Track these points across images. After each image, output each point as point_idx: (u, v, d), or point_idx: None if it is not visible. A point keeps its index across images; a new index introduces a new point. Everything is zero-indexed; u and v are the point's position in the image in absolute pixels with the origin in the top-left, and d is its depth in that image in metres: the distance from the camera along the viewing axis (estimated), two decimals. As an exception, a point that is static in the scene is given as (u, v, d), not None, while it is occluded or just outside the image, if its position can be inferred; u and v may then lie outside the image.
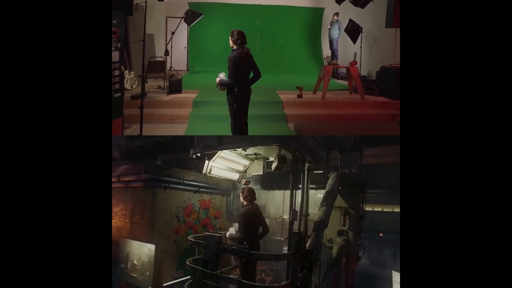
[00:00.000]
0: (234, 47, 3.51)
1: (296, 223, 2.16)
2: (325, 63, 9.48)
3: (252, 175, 3.13)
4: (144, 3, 4.74)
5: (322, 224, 2.38)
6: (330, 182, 2.63)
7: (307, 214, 2.39)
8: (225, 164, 2.85)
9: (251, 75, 3.69)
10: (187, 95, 6.47)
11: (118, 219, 4.49)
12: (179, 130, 5.43)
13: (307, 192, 2.38)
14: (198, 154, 2.49)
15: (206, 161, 2.61)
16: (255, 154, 2.67)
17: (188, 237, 2.69)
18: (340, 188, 2.69)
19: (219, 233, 2.43)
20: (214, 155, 2.55)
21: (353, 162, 2.92)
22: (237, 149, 2.43)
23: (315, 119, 5.90)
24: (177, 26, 7.92)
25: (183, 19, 7.71)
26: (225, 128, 4.10)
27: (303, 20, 10.74)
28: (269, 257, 2.90)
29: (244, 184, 3.09)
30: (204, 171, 2.65)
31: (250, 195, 2.77)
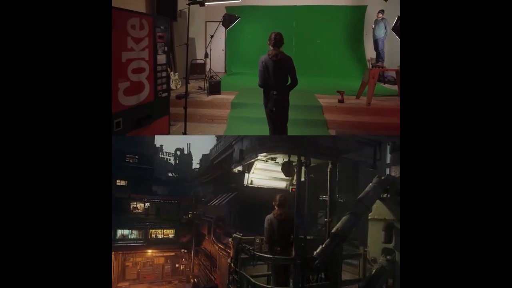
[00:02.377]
0: (271, 49, 3.56)
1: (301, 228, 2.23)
2: (369, 65, 9.06)
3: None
4: (187, 9, 5.09)
5: (337, 236, 2.13)
6: (366, 189, 2.31)
7: (330, 220, 2.33)
8: (267, 174, 2.96)
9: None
10: (226, 97, 6.76)
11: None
12: (219, 130, 5.71)
13: (332, 195, 2.33)
14: (240, 168, 2.69)
15: (246, 174, 2.78)
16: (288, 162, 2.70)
17: (229, 239, 2.97)
18: (387, 195, 2.32)
19: (240, 235, 2.71)
20: (252, 167, 2.70)
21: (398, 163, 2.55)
22: (270, 160, 2.56)
23: (359, 127, 5.60)
24: (216, 29, 8.32)
25: (221, 22, 8.09)
26: (263, 131, 4.17)
27: (343, 20, 10.27)
28: (271, 260, 2.67)
29: (292, 190, 3.15)
30: (245, 183, 2.83)
31: (280, 202, 2.77)
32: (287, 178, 3.07)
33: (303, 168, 2.36)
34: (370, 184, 2.32)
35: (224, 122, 5.91)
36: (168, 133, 4.93)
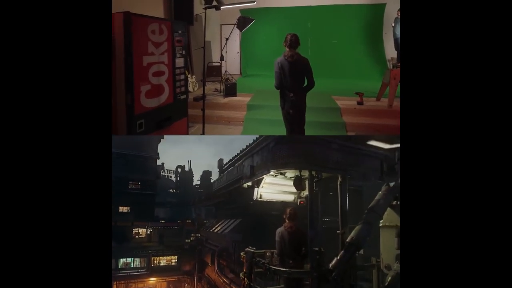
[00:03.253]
0: (287, 50, 3.58)
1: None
2: (390, 66, 8.73)
3: (306, 195, 3.28)
4: (203, 13, 5.25)
5: (352, 245, 2.16)
6: (376, 197, 2.38)
7: (343, 232, 2.35)
8: (275, 188, 3.04)
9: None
10: (242, 99, 6.89)
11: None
12: (235, 132, 5.82)
13: (343, 207, 2.36)
14: (249, 183, 2.78)
15: (256, 189, 2.86)
16: (293, 174, 2.74)
17: (241, 253, 3.02)
18: (397, 202, 2.38)
19: (253, 249, 2.76)
20: (261, 181, 2.77)
21: None
22: (280, 174, 2.60)
23: (381, 130, 5.38)
24: (230, 32, 8.48)
25: (235, 25, 8.25)
26: (279, 133, 4.18)
27: (360, 19, 10.00)
28: (287, 273, 2.67)
29: (300, 203, 3.24)
30: (255, 198, 2.91)
31: (291, 216, 2.80)
32: (295, 191, 3.13)
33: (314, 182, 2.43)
34: (380, 192, 2.38)
35: (241, 124, 6.02)
36: (187, 134, 5.09)
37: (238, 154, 5.94)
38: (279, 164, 2.29)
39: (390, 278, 2.34)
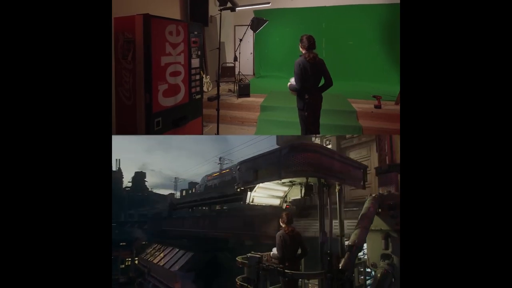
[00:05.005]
0: (303, 51, 3.66)
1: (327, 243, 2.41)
2: None
3: (292, 199, 3.48)
4: (218, 15, 5.41)
5: (354, 247, 2.46)
6: (366, 205, 2.70)
7: (342, 235, 2.55)
8: (266, 193, 3.21)
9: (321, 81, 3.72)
10: (255, 99, 7.01)
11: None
12: (249, 132, 5.96)
13: (341, 213, 2.58)
14: (242, 188, 2.91)
15: (249, 193, 2.98)
16: (291, 181, 2.93)
17: (237, 258, 3.03)
18: (380, 210, 2.74)
19: (260, 254, 2.80)
20: (255, 187, 2.91)
21: (391, 183, 2.97)
22: (289, 181, 2.70)
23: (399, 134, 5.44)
24: (244, 33, 8.64)
25: (249, 26, 8.41)
26: (291, 134, 4.32)
27: (376, 19, 9.81)
28: (302, 276, 2.94)
29: (286, 207, 3.45)
30: (247, 202, 3.02)
31: (288, 220, 2.99)
32: (281, 196, 3.40)
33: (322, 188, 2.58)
34: (367, 201, 2.75)
35: (254, 125, 6.13)
36: (201, 133, 5.26)
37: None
38: (292, 172, 2.39)
39: (379, 274, 2.69)
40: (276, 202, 3.46)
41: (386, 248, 2.72)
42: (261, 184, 2.89)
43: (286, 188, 3.39)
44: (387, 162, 3.06)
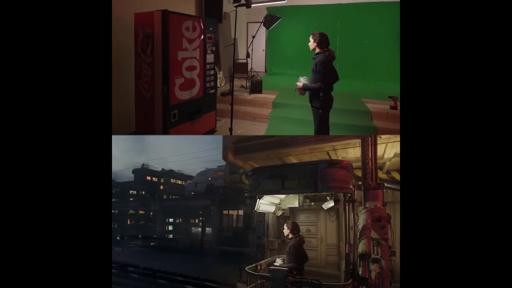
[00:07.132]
0: (317, 50, 3.58)
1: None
2: None
3: (288, 207, 3.70)
4: (233, 11, 5.60)
5: (366, 255, 2.71)
6: (363, 217, 2.93)
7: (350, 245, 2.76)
8: (268, 200, 3.41)
9: None
10: (267, 96, 7.16)
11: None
12: (260, 128, 6.08)
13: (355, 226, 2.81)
14: (253, 196, 3.07)
15: (258, 200, 3.16)
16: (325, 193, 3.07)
17: (247, 268, 3.00)
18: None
19: (285, 267, 2.77)
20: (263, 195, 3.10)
21: (377, 198, 3.15)
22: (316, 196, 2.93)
23: None
24: (257, 30, 8.81)
25: (262, 23, 8.57)
26: (303, 132, 4.35)
27: (393, 18, 9.38)
28: (337, 287, 2.92)
29: (280, 215, 3.65)
30: (256, 209, 3.22)
31: (296, 228, 3.13)
32: (276, 203, 3.60)
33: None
34: (362, 214, 2.98)
35: (266, 121, 6.29)
36: (214, 127, 5.47)
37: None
38: (328, 187, 2.62)
39: (374, 277, 2.87)
40: (271, 209, 3.67)
41: (377, 253, 2.99)
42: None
43: (283, 196, 3.58)
44: (374, 180, 3.24)
